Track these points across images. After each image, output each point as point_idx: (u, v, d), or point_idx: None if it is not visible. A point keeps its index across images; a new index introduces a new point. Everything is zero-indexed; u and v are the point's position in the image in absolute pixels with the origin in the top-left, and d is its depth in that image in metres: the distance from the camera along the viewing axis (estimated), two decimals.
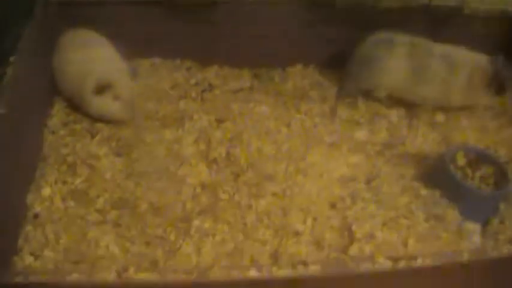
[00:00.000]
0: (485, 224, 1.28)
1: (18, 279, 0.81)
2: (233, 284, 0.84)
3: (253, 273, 0.85)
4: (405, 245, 1.18)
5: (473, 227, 1.26)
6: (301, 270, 0.86)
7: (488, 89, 1.53)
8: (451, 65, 1.52)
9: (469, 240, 1.23)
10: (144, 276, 0.81)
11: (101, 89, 1.32)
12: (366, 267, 0.91)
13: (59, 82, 1.39)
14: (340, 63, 1.65)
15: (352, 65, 1.59)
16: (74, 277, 0.80)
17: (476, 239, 1.24)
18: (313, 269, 0.88)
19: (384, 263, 0.92)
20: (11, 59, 1.17)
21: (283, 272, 0.86)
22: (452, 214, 1.27)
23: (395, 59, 1.53)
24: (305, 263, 0.87)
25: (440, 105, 1.56)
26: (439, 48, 1.55)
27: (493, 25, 1.71)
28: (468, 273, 1.02)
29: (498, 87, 1.53)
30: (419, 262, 0.93)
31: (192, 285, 0.82)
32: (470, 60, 1.53)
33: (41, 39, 1.36)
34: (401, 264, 0.93)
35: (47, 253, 1.06)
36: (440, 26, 1.65)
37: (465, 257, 0.97)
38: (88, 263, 1.05)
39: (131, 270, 0.82)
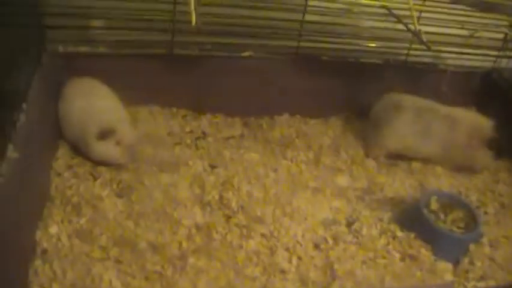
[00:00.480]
0: (456, 263, 1.35)
1: None
2: None
3: None
4: (382, 282, 1.26)
5: (445, 266, 1.33)
6: None
7: (487, 151, 1.61)
8: (453, 124, 1.61)
9: (441, 279, 1.30)
10: None
11: (104, 135, 1.41)
12: None
13: (64, 128, 1.47)
14: (323, 113, 1.79)
15: (369, 127, 1.74)
16: None
17: (448, 277, 1.31)
18: None
19: None
20: (24, 105, 1.25)
21: None
22: (426, 254, 1.34)
23: (402, 123, 1.64)
24: None
25: (442, 162, 1.67)
26: (443, 110, 1.65)
27: (466, 80, 1.86)
28: None
29: (497, 151, 1.61)
30: None
31: None
32: (471, 121, 1.62)
33: (48, 87, 1.44)
34: None
35: (55, 287, 1.12)
36: (417, 80, 1.79)
37: None
38: None
39: None
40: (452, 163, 1.66)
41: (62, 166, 1.43)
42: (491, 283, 1.12)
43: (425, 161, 1.70)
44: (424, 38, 1.32)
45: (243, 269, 1.24)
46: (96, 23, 1.60)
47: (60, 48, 1.54)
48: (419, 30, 1.34)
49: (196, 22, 1.16)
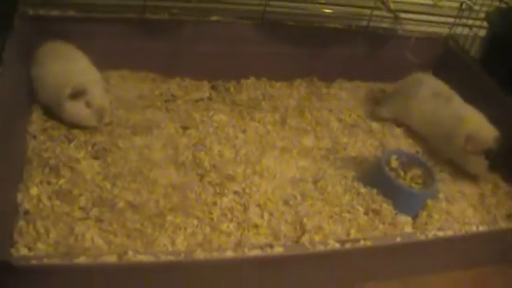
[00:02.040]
0: (415, 217, 1.44)
1: (30, 262, 0.95)
2: (215, 263, 1.01)
3: (229, 253, 1.02)
4: (348, 234, 1.34)
5: (405, 219, 1.42)
6: (269, 251, 1.04)
7: (483, 160, 1.57)
8: (458, 122, 1.62)
9: (401, 231, 1.38)
10: (142, 258, 0.97)
11: (76, 95, 1.43)
12: (320, 247, 1.10)
13: (38, 91, 1.48)
14: (288, 76, 1.86)
15: (390, 94, 1.82)
16: (82, 259, 0.95)
17: (408, 229, 1.40)
18: (278, 250, 1.06)
19: (334, 245, 1.11)
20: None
21: (254, 252, 1.03)
22: (387, 209, 1.42)
23: (418, 100, 1.71)
24: (271, 246, 1.05)
25: (440, 151, 1.69)
26: (456, 104, 1.69)
27: (424, 45, 1.94)
28: (401, 253, 1.23)
29: (492, 163, 1.57)
30: (361, 243, 1.13)
31: (185, 264, 0.98)
32: (475, 127, 1.59)
33: (20, 51, 1.44)
34: (348, 245, 1.12)
35: (40, 246, 1.15)
36: (378, 45, 1.87)
37: (398, 239, 1.17)
38: (78, 254, 1.17)
39: (130, 253, 0.97)
40: (448, 156, 1.68)
41: (37, 129, 1.44)
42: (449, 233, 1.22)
43: (384, 122, 1.80)
44: (391, 6, 1.38)
45: (218, 224, 1.30)
46: None
47: (31, 12, 1.54)
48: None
49: None
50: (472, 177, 1.63)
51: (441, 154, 1.69)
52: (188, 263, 0.99)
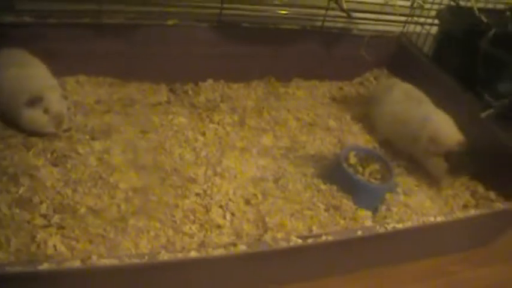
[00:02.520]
0: (375, 211, 1.48)
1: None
2: (180, 263, 1.02)
3: (194, 253, 1.03)
4: (310, 231, 1.36)
5: (365, 214, 1.45)
6: (232, 250, 1.06)
7: (443, 162, 1.58)
8: (423, 123, 1.63)
9: (362, 225, 1.41)
10: (106, 262, 0.97)
11: (33, 102, 1.42)
12: (283, 244, 1.12)
13: None
14: (246, 78, 1.88)
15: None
16: (45, 266, 0.95)
17: (368, 223, 1.43)
18: (242, 248, 1.07)
19: (296, 241, 1.13)
20: None
21: (218, 252, 1.05)
22: (348, 204, 1.46)
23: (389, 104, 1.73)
24: (235, 244, 1.07)
25: (404, 153, 1.70)
26: (425, 107, 1.70)
27: (378, 43, 1.99)
28: (362, 246, 1.27)
29: (454, 167, 1.58)
30: (323, 238, 1.15)
31: (149, 266, 0.99)
32: (436, 129, 1.61)
33: None
34: (310, 240, 1.14)
35: (1, 255, 1.14)
36: (333, 45, 1.91)
37: (359, 233, 1.21)
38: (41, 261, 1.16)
39: (94, 257, 0.98)
40: (414, 156, 1.69)
41: None
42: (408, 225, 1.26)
43: (341, 119, 1.84)
44: (345, 5, 1.42)
45: (181, 226, 1.31)
46: None
47: None
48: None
49: None
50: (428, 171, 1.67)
51: (405, 156, 1.71)
52: (153, 264, 1.00)
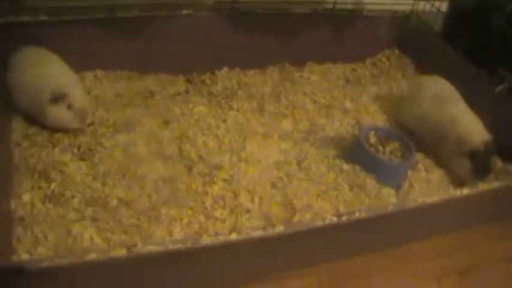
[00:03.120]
0: (398, 188, 1.51)
1: (43, 264, 0.95)
2: (221, 246, 1.04)
3: (234, 236, 1.05)
4: (337, 210, 1.39)
5: (389, 191, 1.49)
6: (271, 231, 1.08)
7: (468, 163, 1.55)
8: (451, 123, 1.59)
9: (386, 202, 1.45)
10: (151, 249, 0.99)
11: (56, 99, 1.42)
12: (318, 223, 1.14)
13: (16, 98, 1.47)
14: (261, 64, 1.89)
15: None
16: (93, 256, 0.97)
17: (393, 200, 1.46)
18: (280, 229, 1.10)
19: (331, 219, 1.15)
20: None
21: (257, 233, 1.07)
22: (371, 183, 1.49)
23: (418, 101, 1.70)
24: (273, 225, 1.09)
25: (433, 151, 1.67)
26: (454, 106, 1.64)
27: (388, 24, 2.00)
28: (389, 223, 1.29)
29: (479, 169, 1.55)
30: (357, 215, 1.17)
31: (192, 250, 1.01)
32: (463, 130, 1.57)
33: None
34: (344, 218, 1.16)
35: (40, 250, 1.16)
36: (344, 27, 1.92)
37: (390, 208, 1.23)
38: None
39: (139, 244, 0.99)
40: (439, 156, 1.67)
41: (20, 137, 1.43)
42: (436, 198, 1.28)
43: (358, 101, 1.85)
44: None
45: (212, 212, 1.33)
46: None
47: (1, 19, 1.53)
48: None
49: None
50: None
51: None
52: (196, 249, 1.01)
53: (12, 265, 0.98)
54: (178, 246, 1.00)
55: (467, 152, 1.55)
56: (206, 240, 1.02)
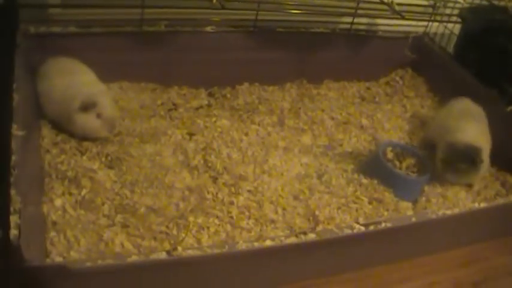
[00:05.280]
0: (415, 202, 1.55)
1: (85, 265, 0.98)
2: (256, 252, 1.07)
3: (269, 242, 1.09)
4: (358, 222, 1.41)
5: (407, 205, 1.52)
6: (303, 238, 1.12)
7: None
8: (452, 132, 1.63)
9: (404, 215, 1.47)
10: (190, 253, 1.02)
11: (85, 107, 1.45)
12: (348, 231, 1.18)
13: (45, 106, 1.50)
14: (279, 80, 1.94)
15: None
16: (134, 258, 0.99)
17: (410, 213, 1.49)
18: (311, 236, 1.13)
19: (359, 228, 1.19)
20: (14, 85, 1.30)
21: (290, 240, 1.10)
22: (389, 197, 1.51)
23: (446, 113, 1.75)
24: (304, 232, 1.13)
25: None
26: (475, 124, 1.67)
27: (401, 44, 2.06)
28: (413, 233, 1.33)
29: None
30: (383, 225, 1.21)
31: (229, 255, 1.05)
32: (459, 137, 1.60)
33: (26, 68, 1.47)
34: (371, 227, 1.20)
35: (73, 254, 1.18)
36: (360, 47, 1.97)
37: (414, 219, 1.27)
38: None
39: (179, 248, 1.02)
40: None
41: (49, 144, 1.46)
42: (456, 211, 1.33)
43: (373, 118, 1.90)
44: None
45: (238, 222, 1.36)
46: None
47: (32, 29, 1.57)
48: (392, 2, 1.50)
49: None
50: None
51: None
52: (232, 254, 1.05)
53: (55, 265, 1.01)
54: (216, 251, 1.03)
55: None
56: (242, 246, 1.05)
